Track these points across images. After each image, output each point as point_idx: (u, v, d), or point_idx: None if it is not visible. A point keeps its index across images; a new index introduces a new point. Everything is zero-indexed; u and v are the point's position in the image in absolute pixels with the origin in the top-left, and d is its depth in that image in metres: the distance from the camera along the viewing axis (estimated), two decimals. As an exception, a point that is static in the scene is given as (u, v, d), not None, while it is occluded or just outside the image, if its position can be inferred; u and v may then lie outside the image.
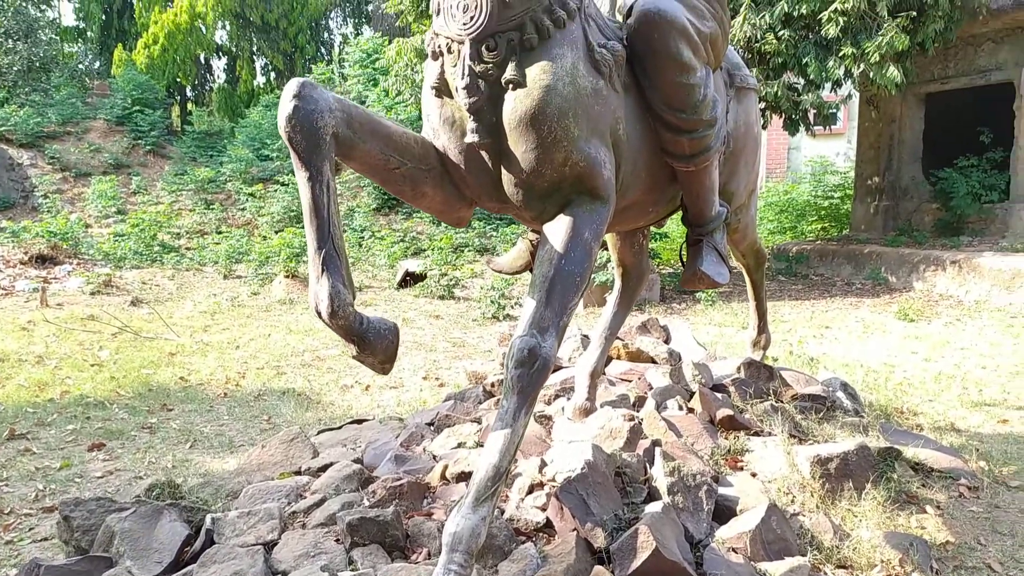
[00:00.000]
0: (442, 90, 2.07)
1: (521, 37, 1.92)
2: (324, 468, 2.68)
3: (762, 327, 3.74)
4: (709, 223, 2.48)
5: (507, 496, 2.34)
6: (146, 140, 16.75)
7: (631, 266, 3.27)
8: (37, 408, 4.29)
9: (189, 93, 25.10)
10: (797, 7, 6.99)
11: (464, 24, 1.93)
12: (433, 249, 9.66)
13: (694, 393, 3.20)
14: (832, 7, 6.83)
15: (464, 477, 2.46)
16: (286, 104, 1.82)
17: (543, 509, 2.22)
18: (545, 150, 1.96)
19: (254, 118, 18.20)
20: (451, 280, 8.68)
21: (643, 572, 1.87)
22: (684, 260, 2.60)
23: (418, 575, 1.90)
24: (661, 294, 8.28)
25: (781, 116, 8.18)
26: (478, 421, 3.07)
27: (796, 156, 16.36)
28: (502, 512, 2.21)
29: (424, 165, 2.12)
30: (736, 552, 2.10)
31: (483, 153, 2.05)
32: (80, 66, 20.85)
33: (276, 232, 12.04)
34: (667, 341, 4.20)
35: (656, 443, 2.60)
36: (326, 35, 26.62)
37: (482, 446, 2.72)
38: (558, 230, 2.04)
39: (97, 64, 24.18)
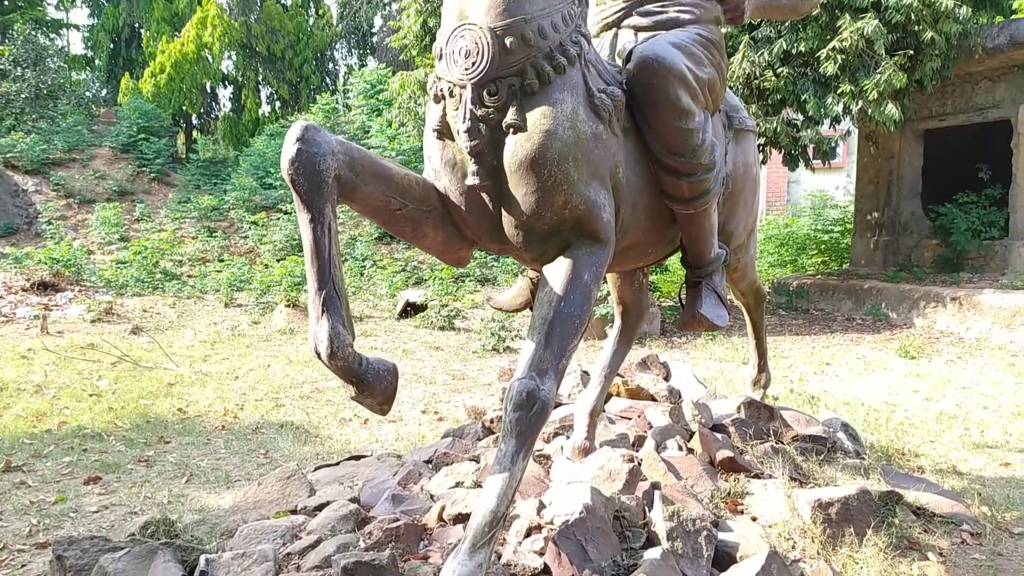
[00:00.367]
0: (444, 133, 2.10)
1: (522, 82, 1.95)
2: (320, 507, 2.66)
3: (762, 365, 3.73)
4: (708, 265, 2.49)
5: (505, 539, 2.32)
6: (151, 168, 16.89)
7: (631, 304, 3.28)
8: (34, 439, 4.27)
9: (194, 121, 25.35)
10: (795, 45, 7.08)
11: (466, 69, 1.95)
12: (434, 279, 9.68)
13: (694, 433, 3.18)
14: (830, 45, 6.92)
15: (462, 519, 2.43)
16: (289, 147, 1.84)
17: (541, 554, 2.19)
18: (545, 193, 1.98)
19: (258, 147, 18.37)
20: (452, 311, 8.69)
21: (641, 621, 1.84)
22: (683, 302, 2.60)
23: (413, 622, 1.88)
24: (661, 327, 8.27)
25: (780, 152, 8.24)
26: (476, 460, 3.05)
27: (796, 189, 16.46)
28: (499, 556, 2.19)
29: (425, 206, 2.13)
30: (736, 600, 2.07)
31: (484, 195, 2.07)
32: (87, 94, 21.08)
33: (278, 260, 12.08)
34: (667, 378, 4.19)
35: (655, 486, 2.58)
36: (331, 65, 26.96)
37: (480, 486, 2.70)
38: (558, 272, 2.05)
39: (104, 92, 24.48)
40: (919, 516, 2.89)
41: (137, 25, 24.72)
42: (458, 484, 2.81)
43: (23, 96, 17.70)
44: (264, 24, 23.70)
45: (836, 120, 8.06)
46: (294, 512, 2.71)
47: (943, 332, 7.63)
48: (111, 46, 24.48)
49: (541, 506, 2.41)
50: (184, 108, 22.62)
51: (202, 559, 2.18)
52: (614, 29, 2.50)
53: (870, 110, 7.09)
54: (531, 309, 2.57)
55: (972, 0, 7.30)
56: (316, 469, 3.35)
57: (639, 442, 3.18)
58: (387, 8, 24.06)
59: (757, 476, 2.94)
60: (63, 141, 16.40)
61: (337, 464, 3.41)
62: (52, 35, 22.63)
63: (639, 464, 2.81)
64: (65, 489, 3.52)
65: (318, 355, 1.87)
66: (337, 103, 19.73)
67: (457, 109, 2.00)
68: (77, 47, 25.80)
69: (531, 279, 2.73)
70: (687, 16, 2.41)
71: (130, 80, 22.67)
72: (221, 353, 7.01)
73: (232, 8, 23.35)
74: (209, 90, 25.26)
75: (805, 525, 2.54)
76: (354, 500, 2.74)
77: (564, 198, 1.99)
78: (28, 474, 3.73)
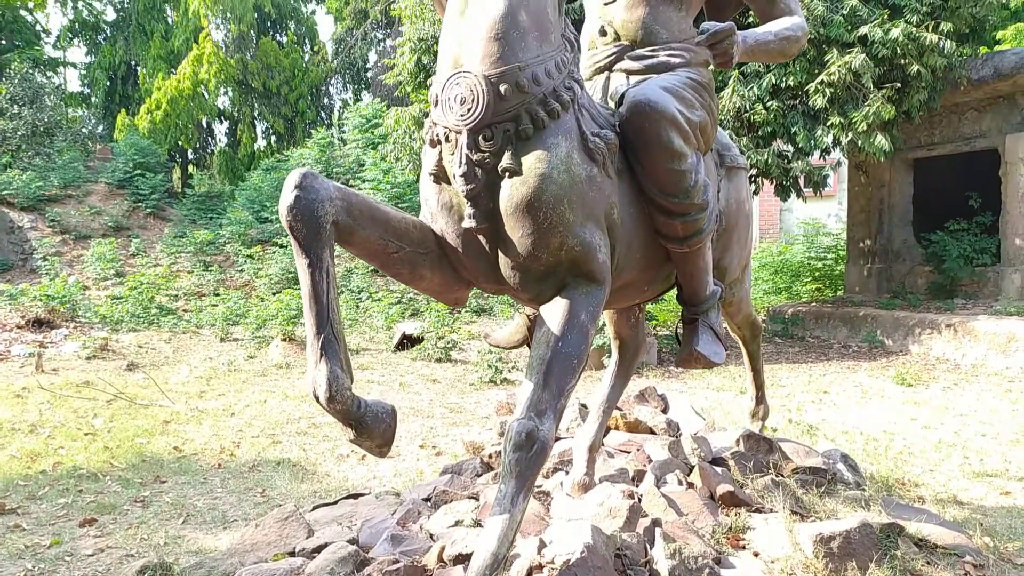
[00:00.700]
0: (440, 176, 2.13)
1: (517, 128, 1.99)
2: (319, 549, 2.64)
3: (760, 397, 3.74)
4: (704, 302, 2.51)
5: (506, 580, 2.30)
6: (146, 203, 16.97)
7: (628, 338, 3.30)
8: (29, 480, 4.24)
9: (190, 156, 25.52)
10: (784, 79, 7.20)
11: (461, 115, 1.99)
12: (430, 311, 9.69)
13: (694, 467, 3.18)
14: (819, 79, 7.04)
15: (462, 559, 2.42)
16: (288, 194, 1.87)
17: (542, 595, 2.18)
18: (541, 235, 2.01)
19: (254, 181, 18.48)
20: (448, 343, 8.68)
21: (644, 664, 1.83)
22: (680, 338, 2.62)
23: (414, 668, 1.86)
24: (658, 356, 8.28)
25: (772, 182, 8.33)
26: (475, 497, 3.04)
27: (788, 217, 16.60)
28: (500, 598, 2.17)
29: (422, 249, 2.16)
30: (739, 640, 2.06)
31: (480, 237, 2.10)
32: (83, 130, 21.23)
33: (274, 294, 12.08)
34: (665, 410, 4.19)
35: (656, 522, 2.58)
36: (326, 100, 27.24)
37: (480, 524, 2.69)
38: (555, 313, 2.07)
39: (100, 128, 24.65)
40: (921, 548, 2.88)
41: (133, 63, 25.00)
42: (458, 523, 2.80)
43: (19, 133, 17.83)
44: (260, 61, 23.97)
45: (826, 151, 8.17)
46: (292, 554, 2.69)
47: (939, 359, 7.65)
48: (107, 83, 24.72)
49: (542, 545, 2.40)
50: (180, 143, 22.80)
51: (201, 605, 2.16)
52: (606, 72, 2.55)
53: (860, 141, 7.20)
54: (528, 346, 2.59)
55: (956, 34, 7.45)
56: (314, 509, 3.33)
57: (639, 477, 3.17)
58: (381, 44, 24.40)
59: (758, 510, 2.93)
60: (59, 178, 16.49)
61: (335, 503, 3.39)
62: (49, 73, 22.88)
63: (639, 500, 2.80)
64: (60, 532, 3.49)
65: (317, 399, 1.88)
66: (332, 137, 19.90)
67: (453, 154, 2.04)
68: (74, 84, 26.14)
69: (528, 316, 2.75)
70: (677, 60, 2.46)
71: (126, 116, 22.86)
72: (217, 389, 6.98)
73: (228, 46, 23.64)
74: (205, 125, 25.47)
75: (807, 560, 2.53)
76: (353, 541, 2.72)
77: (560, 240, 2.02)
78: (23, 517, 3.69)
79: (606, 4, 2.57)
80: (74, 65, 25.91)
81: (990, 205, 8.86)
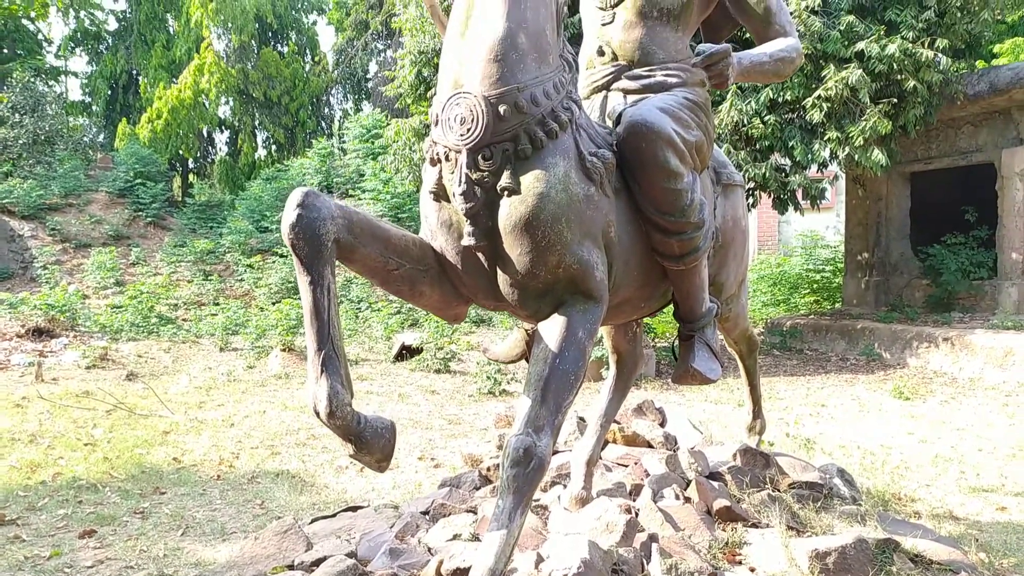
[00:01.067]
0: (440, 195, 2.16)
1: (516, 147, 2.02)
2: (318, 562, 2.65)
3: (757, 412, 3.76)
4: (700, 319, 2.54)
5: (503, 594, 2.32)
6: (147, 212, 17.01)
7: (626, 353, 3.33)
8: (28, 491, 4.25)
9: (191, 165, 25.59)
10: (781, 94, 7.26)
11: (461, 135, 2.03)
12: (429, 322, 9.70)
13: (691, 481, 3.20)
14: (816, 94, 7.10)
15: (460, 574, 2.43)
16: (290, 213, 1.90)
17: (539, 610, 2.20)
18: (539, 253, 2.04)
19: (255, 191, 18.54)
20: (448, 354, 8.70)
21: None
22: (676, 355, 2.65)
23: None
24: (656, 368, 8.30)
25: (770, 196, 8.37)
26: (474, 511, 3.06)
27: (787, 229, 16.65)
28: (498, 613, 2.19)
29: (422, 266, 2.19)
30: (734, 655, 2.08)
31: (479, 255, 2.13)
32: (84, 139, 21.31)
33: (273, 303, 12.10)
34: (663, 424, 4.21)
35: (653, 537, 2.59)
36: (327, 110, 27.36)
37: (478, 538, 2.71)
38: (553, 329, 2.10)
39: (101, 137, 24.74)
40: (917, 564, 2.90)
41: (135, 72, 25.11)
42: (456, 536, 2.81)
43: (20, 142, 17.90)
44: (261, 71, 24.09)
45: (823, 165, 8.21)
46: (291, 568, 2.70)
47: (936, 372, 7.67)
48: (109, 92, 24.83)
49: (539, 559, 2.42)
50: (181, 152, 22.87)
51: (200, 619, 2.18)
52: (604, 91, 2.59)
53: (857, 156, 7.25)
54: (526, 360, 2.61)
55: (952, 50, 7.51)
56: (313, 521, 3.35)
57: (636, 491, 3.19)
58: (382, 55, 24.53)
59: (754, 525, 2.95)
60: (60, 186, 16.55)
61: (334, 516, 3.41)
62: (51, 82, 22.96)
63: (636, 514, 2.82)
64: (60, 543, 3.50)
65: (317, 414, 1.91)
66: (333, 147, 19.98)
67: (453, 172, 2.07)
68: (75, 93, 26.23)
69: (526, 330, 2.77)
70: (674, 80, 2.50)
71: (127, 126, 22.95)
72: (216, 399, 6.99)
73: (229, 55, 23.77)
74: (206, 135, 25.57)
75: (802, 576, 2.55)
76: (351, 555, 2.73)
77: (558, 258, 2.05)
78: (23, 528, 3.71)
79: (604, 24, 2.61)
80: (75, 74, 26.00)
81: (987, 219, 8.91)
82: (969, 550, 3.11)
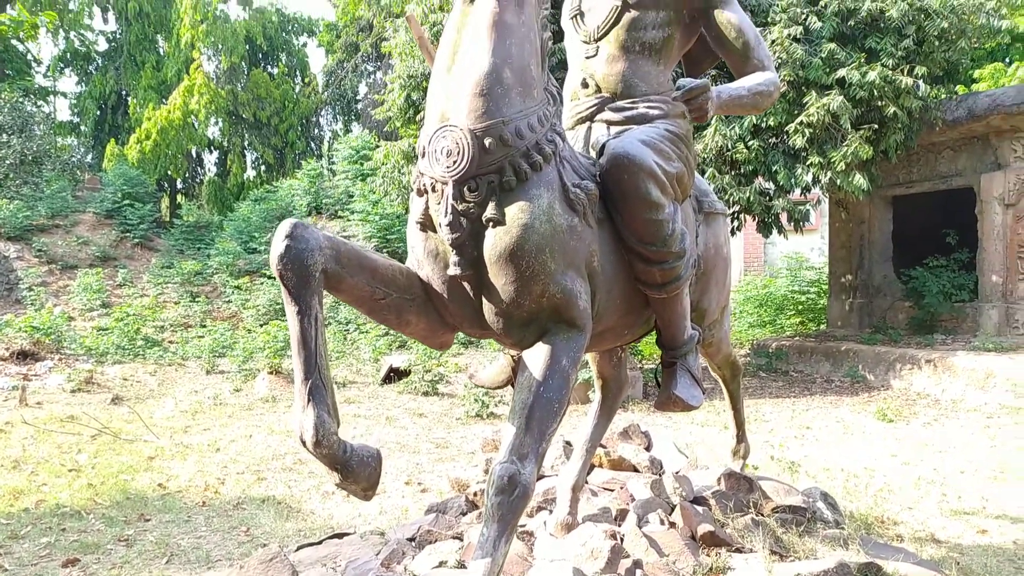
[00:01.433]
0: (427, 225, 2.20)
1: (500, 179, 2.07)
2: (303, 590, 2.65)
3: (741, 436, 3.80)
4: (682, 346, 2.58)
5: (488, 622, 2.32)
6: (134, 233, 16.94)
7: (610, 378, 3.36)
8: (11, 519, 4.21)
9: (179, 185, 25.56)
10: (765, 119, 7.38)
11: (447, 167, 2.07)
12: (418, 343, 9.69)
13: (675, 506, 3.22)
14: (798, 119, 7.22)
15: (445, 601, 2.45)
16: (279, 244, 1.94)
17: (523, 637, 2.21)
18: (524, 283, 2.08)
19: (243, 212, 18.52)
20: (435, 376, 8.70)
21: None
22: (659, 381, 2.68)
23: None
24: (644, 390, 8.33)
25: (754, 219, 8.48)
26: (460, 537, 3.06)
27: (772, 251, 16.80)
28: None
29: (408, 295, 2.23)
30: None
31: (465, 284, 2.17)
32: (73, 159, 21.25)
33: (261, 325, 12.07)
34: (648, 448, 4.23)
35: (638, 564, 2.61)
36: (316, 131, 27.47)
37: (463, 566, 2.72)
38: (537, 358, 2.13)
39: (89, 157, 24.67)
40: (897, 588, 2.93)
41: (124, 92, 25.13)
42: (441, 563, 2.82)
43: (8, 162, 17.81)
44: (251, 92, 24.19)
45: (807, 189, 8.33)
46: (277, 596, 2.70)
47: (920, 394, 7.75)
48: (98, 113, 24.83)
49: (524, 587, 2.44)
50: (169, 173, 22.84)
51: (184, 649, 2.17)
52: (588, 123, 2.65)
53: (839, 180, 7.37)
54: (512, 386, 2.64)
55: (931, 76, 7.67)
56: (298, 549, 3.34)
57: (621, 516, 3.21)
58: (372, 76, 24.69)
59: (738, 550, 2.97)
60: (47, 207, 16.47)
61: (320, 543, 3.40)
62: (39, 102, 22.91)
63: (621, 540, 2.84)
64: (43, 573, 3.47)
65: (303, 443, 1.93)
66: (322, 168, 20.03)
67: (439, 203, 2.12)
68: (64, 114, 26.10)
69: (512, 356, 2.80)
70: (656, 112, 2.56)
71: (116, 146, 22.92)
72: (202, 423, 6.96)
73: (219, 77, 23.86)
74: (195, 155, 25.58)
75: (785, 601, 2.57)
76: (337, 582, 2.73)
77: (542, 287, 2.09)
78: (5, 556, 3.67)
79: (588, 58, 2.68)
80: (64, 94, 25.96)
81: (967, 242, 9.04)
82: (950, 573, 3.14)
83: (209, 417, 7.24)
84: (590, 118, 2.65)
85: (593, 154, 2.50)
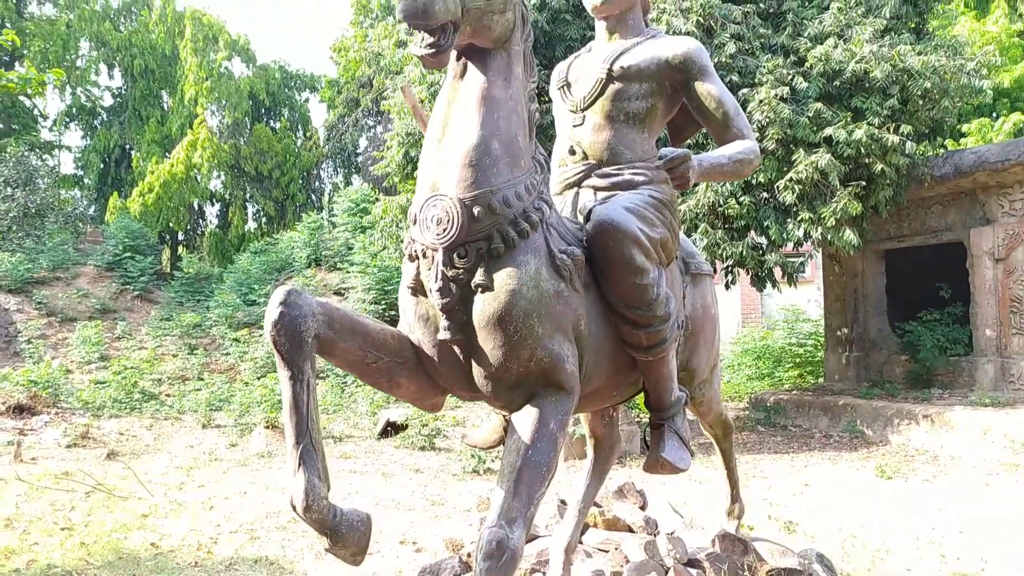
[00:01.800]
0: (417, 290, 2.26)
1: (489, 246, 2.13)
2: (292, 656, 2.63)
3: (735, 496, 3.78)
4: (669, 408, 2.61)
5: None
6: (135, 285, 17.02)
7: (603, 437, 3.38)
8: (-1, 580, 4.17)
9: (180, 237, 25.78)
10: (756, 176, 7.53)
11: (438, 235, 2.14)
12: (414, 398, 9.65)
13: (669, 569, 3.21)
14: (787, 176, 7.37)
15: (434, 667, 2.43)
16: (273, 310, 1.99)
17: None
18: (512, 347, 2.13)
19: (243, 264, 18.64)
20: (433, 430, 8.66)
21: None
22: (647, 443, 2.70)
23: None
24: (641, 445, 8.27)
25: (748, 273, 8.56)
26: (451, 600, 3.04)
27: (769, 302, 16.88)
28: None
29: (400, 358, 2.27)
30: None
31: (455, 348, 2.22)
32: (75, 212, 21.46)
33: (259, 378, 12.06)
34: (643, 507, 4.21)
35: (628, 628, 2.59)
36: (317, 183, 27.83)
37: (454, 630, 2.70)
38: (525, 421, 2.17)
39: (92, 210, 24.94)
40: (893, 653, 2.90)
41: (128, 146, 25.57)
42: (432, 628, 2.80)
43: (11, 215, 18.00)
44: (253, 146, 24.60)
45: (798, 244, 8.43)
46: (265, 661, 2.67)
47: (918, 450, 7.71)
48: (101, 166, 25.18)
49: (514, 653, 2.42)
50: (171, 225, 23.07)
51: None
52: (576, 188, 2.73)
53: (829, 236, 7.48)
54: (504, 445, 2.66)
55: (916, 134, 7.85)
56: (289, 611, 3.30)
57: (615, 578, 3.19)
58: (372, 130, 25.15)
59: (731, 613, 2.95)
60: (48, 260, 16.59)
61: (311, 605, 3.37)
62: (44, 156, 23.27)
63: (613, 604, 2.82)
64: (29, 636, 3.42)
65: (294, 508, 1.96)
66: (322, 220, 20.25)
67: (430, 269, 2.18)
68: (68, 167, 26.49)
69: (504, 416, 2.83)
70: (641, 178, 2.65)
71: (118, 199, 23.20)
72: (197, 479, 6.91)
73: (222, 131, 24.30)
74: (196, 207, 25.85)
75: (777, 667, 2.55)
76: (326, 647, 2.71)
77: (529, 351, 2.14)
78: (-9, 619, 3.63)
79: (575, 126, 2.78)
80: (69, 148, 26.37)
81: (960, 296, 9.11)
82: (947, 637, 3.11)
83: (204, 473, 7.19)
84: (578, 184, 2.73)
85: (581, 219, 2.58)
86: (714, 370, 3.28)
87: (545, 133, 6.27)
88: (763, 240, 8.21)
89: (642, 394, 2.77)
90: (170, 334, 14.76)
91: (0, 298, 15.01)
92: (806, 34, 7.87)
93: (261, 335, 14.01)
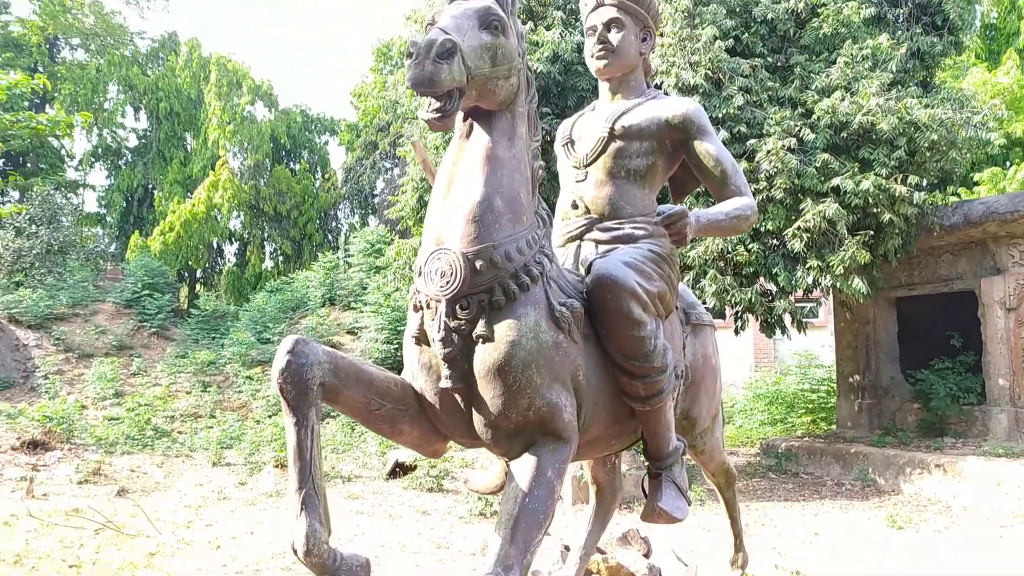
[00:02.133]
0: (421, 339, 2.35)
1: (490, 299, 2.23)
2: None
3: (739, 545, 3.78)
4: (667, 458, 2.66)
5: None
6: (152, 322, 17.23)
7: (604, 484, 3.42)
8: (7, 616, 4.21)
9: (199, 275, 26.16)
10: (763, 223, 7.61)
11: (441, 287, 2.24)
12: (424, 440, 9.66)
13: (668, 617, 3.21)
14: (795, 225, 7.44)
15: None
16: (280, 358, 2.09)
17: None
18: (511, 396, 2.21)
19: (259, 302, 18.83)
20: (441, 472, 8.66)
21: None
22: (646, 492, 2.75)
23: None
24: (643, 492, 8.21)
25: (757, 319, 8.58)
26: (451, 646, 3.06)
27: (782, 347, 16.79)
28: None
29: (402, 405, 2.36)
30: None
31: (456, 396, 2.30)
32: (97, 248, 21.86)
33: (270, 416, 12.11)
34: (647, 555, 4.21)
35: (625, 678, 2.60)
36: (334, 224, 28.22)
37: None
38: (523, 469, 2.23)
39: (113, 247, 25.40)
40: None
41: (151, 186, 26.14)
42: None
43: (35, 252, 18.37)
44: (272, 187, 25.08)
45: (808, 290, 8.46)
46: None
47: (931, 500, 7.61)
48: (124, 205, 25.75)
49: None
50: (190, 263, 23.44)
51: None
52: (578, 241, 2.83)
53: (838, 284, 7.51)
54: (506, 492, 2.71)
55: (927, 184, 7.92)
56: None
57: (615, 627, 3.20)
58: (389, 172, 25.59)
59: (731, 665, 2.95)
60: (68, 297, 16.84)
61: (313, 648, 3.38)
62: (69, 194, 23.82)
63: (611, 653, 2.83)
64: (35, 674, 3.46)
65: (295, 552, 2.02)
66: (338, 260, 20.49)
67: (433, 320, 2.27)
68: (91, 205, 27.05)
69: (506, 461, 2.88)
70: (641, 232, 2.74)
71: (139, 237, 23.64)
72: (205, 518, 6.94)
73: (243, 173, 24.82)
74: (215, 246, 26.28)
75: None
76: None
77: (528, 401, 2.21)
78: (-2, 656, 3.67)
79: (578, 182, 2.89)
80: (93, 187, 27.01)
81: (973, 344, 9.06)
82: None
83: (212, 511, 7.23)
84: (580, 237, 2.83)
85: (582, 270, 2.67)
86: (715, 419, 3.33)
87: (551, 184, 6.40)
88: (772, 287, 8.25)
89: (641, 443, 2.82)
90: (184, 371, 14.89)
91: (20, 334, 15.24)
92: (813, 87, 8.02)
93: (273, 374, 14.10)
